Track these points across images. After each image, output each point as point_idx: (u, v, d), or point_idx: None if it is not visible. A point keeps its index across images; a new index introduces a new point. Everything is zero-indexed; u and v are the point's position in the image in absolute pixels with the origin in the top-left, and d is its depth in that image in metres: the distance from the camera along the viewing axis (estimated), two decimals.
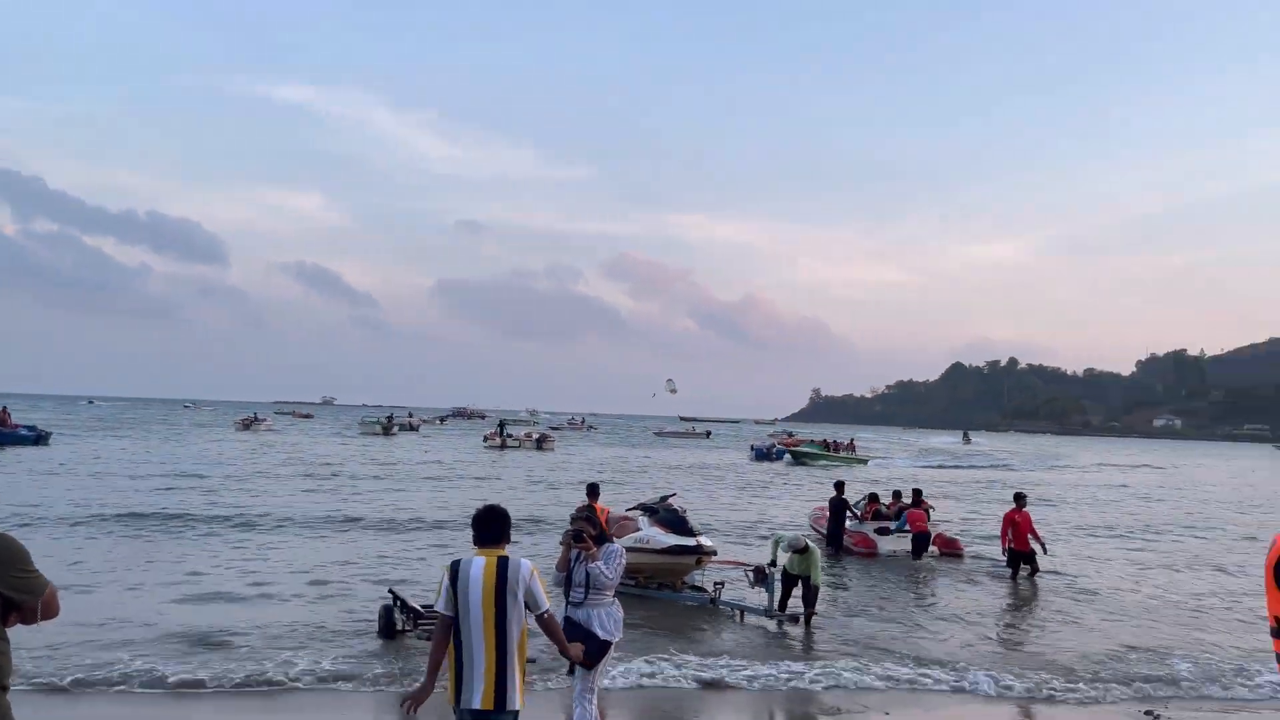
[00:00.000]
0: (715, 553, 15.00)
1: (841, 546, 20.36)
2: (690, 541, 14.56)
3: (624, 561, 7.15)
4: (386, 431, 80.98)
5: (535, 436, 69.82)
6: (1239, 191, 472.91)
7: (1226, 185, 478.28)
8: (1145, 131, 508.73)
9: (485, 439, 70.10)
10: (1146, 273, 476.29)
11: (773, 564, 13.67)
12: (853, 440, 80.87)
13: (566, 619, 6.90)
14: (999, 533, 18.16)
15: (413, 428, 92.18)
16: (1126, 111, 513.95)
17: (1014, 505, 17.72)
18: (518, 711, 4.95)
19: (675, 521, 14.85)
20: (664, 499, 16.57)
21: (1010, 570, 17.52)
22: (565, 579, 7.07)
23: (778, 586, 13.47)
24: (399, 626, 11.43)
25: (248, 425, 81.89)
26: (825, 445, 68.02)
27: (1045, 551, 17.80)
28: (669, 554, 14.38)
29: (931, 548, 19.84)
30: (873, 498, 21.73)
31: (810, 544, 13.47)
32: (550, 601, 5.20)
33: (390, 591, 12.21)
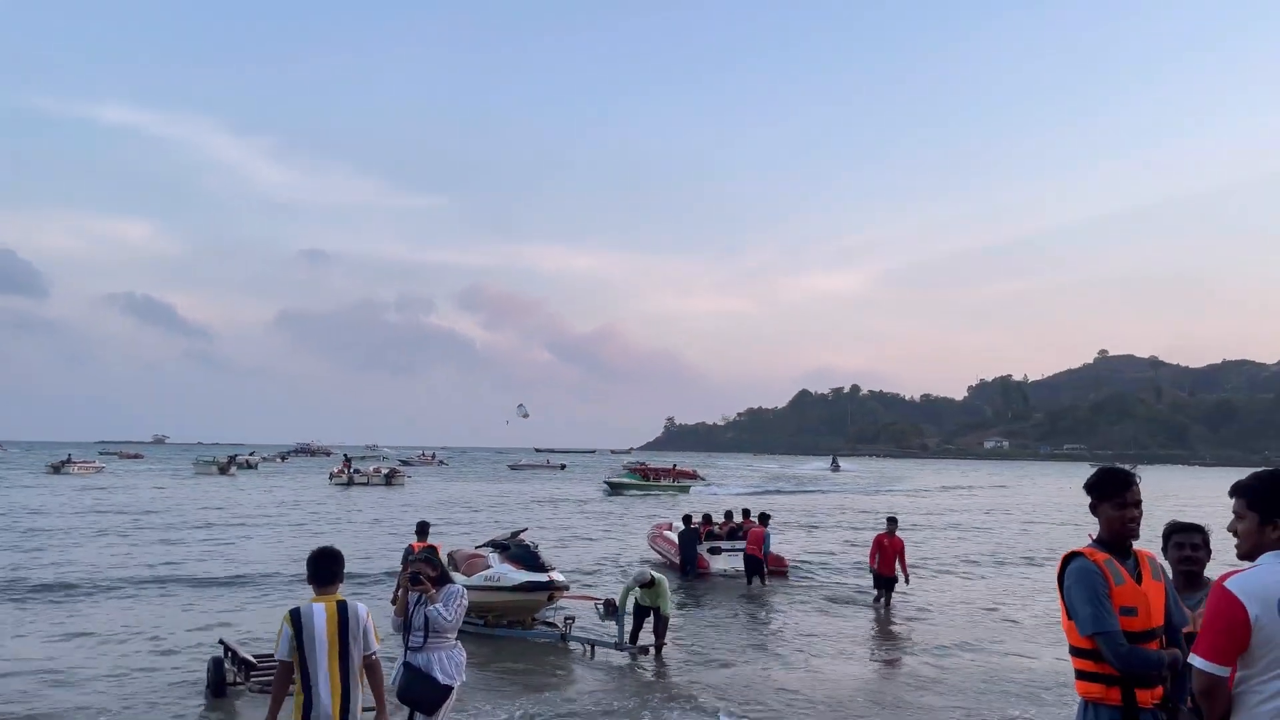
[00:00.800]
0: (568, 588, 14.88)
1: (695, 573, 20.53)
2: (542, 577, 14.38)
3: (465, 603, 6.97)
4: (224, 471, 76.82)
5: (384, 472, 67.78)
6: (1058, 225, 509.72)
7: (1047, 219, 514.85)
8: (975, 167, 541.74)
9: (331, 476, 67.74)
10: (975, 302, 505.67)
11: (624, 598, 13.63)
12: (678, 468, 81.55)
13: (406, 665, 6.76)
14: (867, 555, 18.44)
15: (251, 465, 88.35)
16: (961, 148, 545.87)
17: (885, 529, 17.56)
18: None
19: (527, 557, 14.64)
20: (515, 534, 16.31)
21: (875, 594, 17.80)
22: (404, 623, 6.87)
23: (628, 619, 13.41)
24: (230, 679, 10.76)
25: (59, 468, 74.51)
26: (644, 473, 67.37)
27: (907, 581, 17.61)
28: (520, 590, 14.15)
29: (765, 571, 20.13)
30: (706, 519, 23.02)
31: (656, 576, 13.49)
32: (379, 644, 5.55)
33: (220, 642, 11.49)
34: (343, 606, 5.37)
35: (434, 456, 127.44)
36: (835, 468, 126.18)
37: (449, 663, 6.78)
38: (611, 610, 13.64)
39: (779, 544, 23.39)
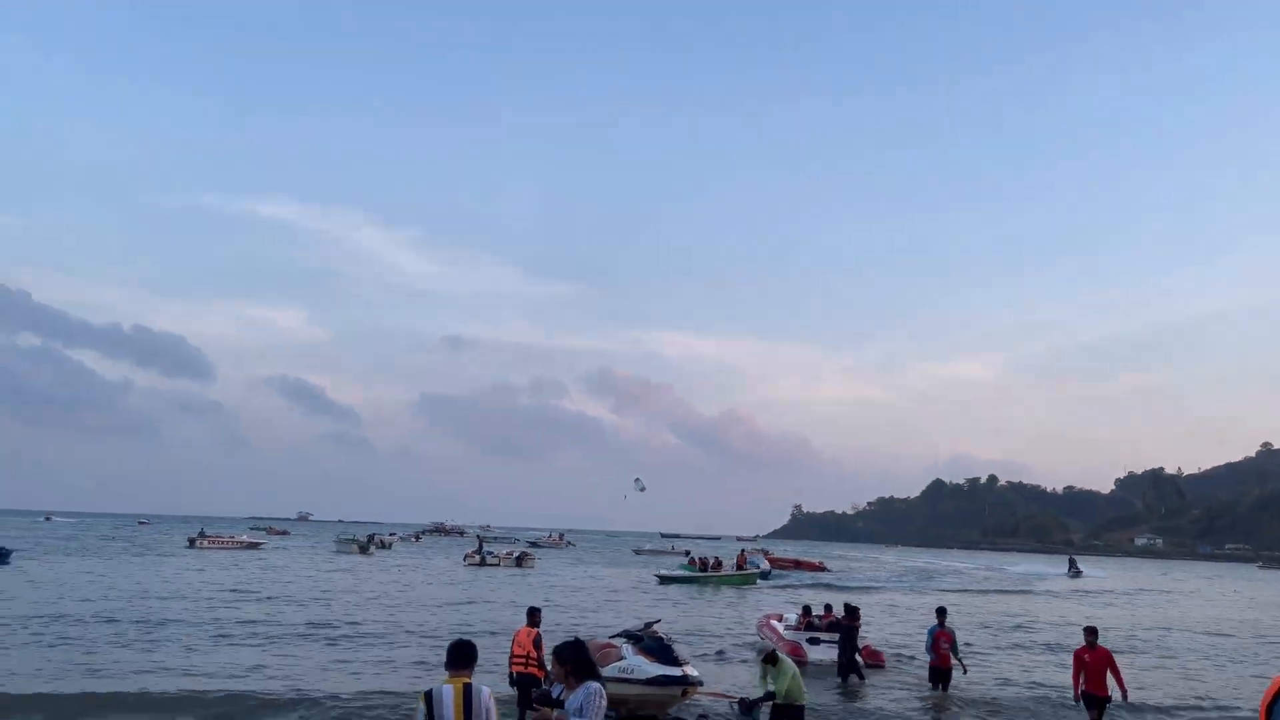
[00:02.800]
0: (701, 683, 14.55)
1: (855, 673, 19.46)
2: (676, 671, 14.10)
3: (604, 704, 6.34)
4: (364, 550, 79.74)
5: (515, 555, 68.94)
6: (1209, 312, 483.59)
7: (1197, 306, 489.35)
8: (1113, 254, 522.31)
9: (466, 558, 69.03)
10: (1122, 392, 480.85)
11: (767, 696, 13.04)
12: (802, 560, 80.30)
13: None
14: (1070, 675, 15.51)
15: (385, 545, 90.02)
16: (1097, 240, 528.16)
17: (1084, 643, 15.03)
18: None
19: (660, 649, 14.41)
20: (648, 625, 16.12)
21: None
22: None
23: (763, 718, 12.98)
24: None
25: (193, 542, 76.45)
26: (701, 565, 57.32)
27: (1125, 697, 14.84)
28: (654, 684, 13.89)
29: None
30: (806, 610, 24.28)
31: (780, 654, 12.88)
32: None
33: None
34: (468, 688, 6.05)
35: (562, 537, 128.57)
36: (1075, 572, 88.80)
37: None
38: (747, 709, 13.24)
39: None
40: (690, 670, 14.28)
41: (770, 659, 12.64)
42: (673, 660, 14.30)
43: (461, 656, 6.37)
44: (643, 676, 13.93)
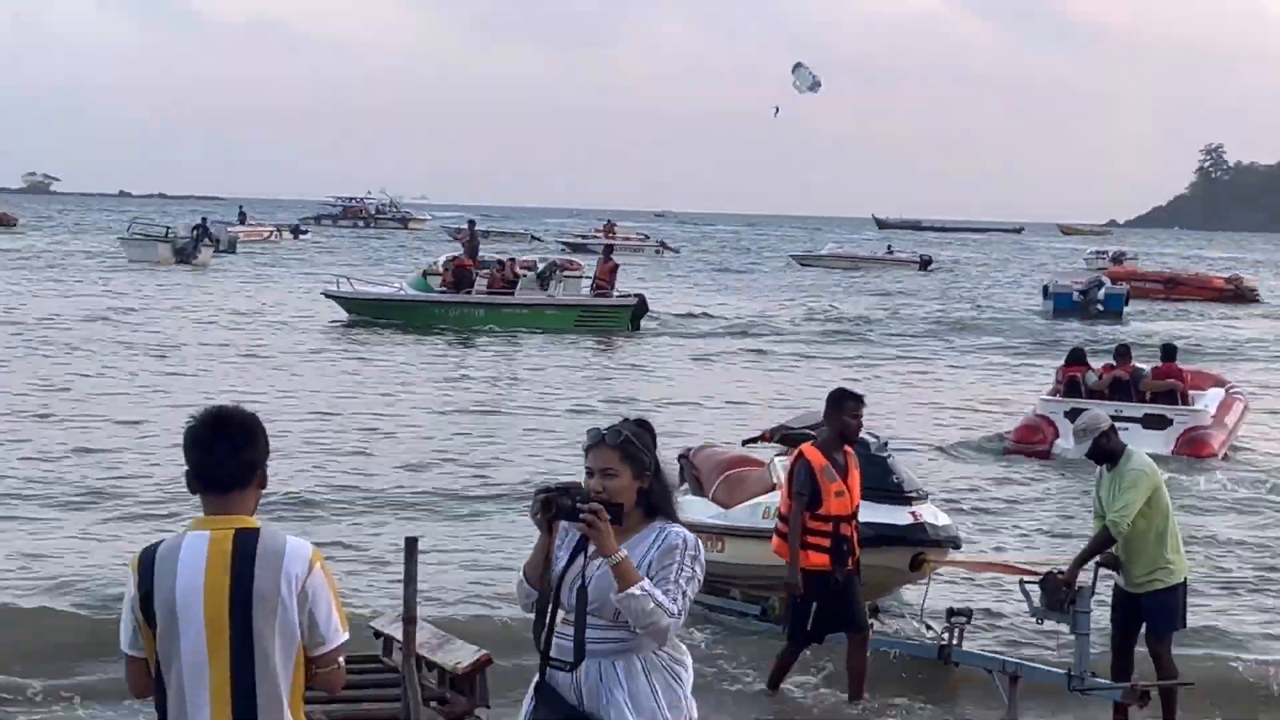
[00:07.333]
0: (957, 544, 7.27)
1: None
2: (901, 517, 7.06)
3: (701, 571, 3.17)
4: (183, 257, 40.29)
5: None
6: None
7: None
8: None
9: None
10: None
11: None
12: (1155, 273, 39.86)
13: (542, 689, 3.28)
14: None
15: (222, 246, 45.47)
16: None
17: None
18: None
19: (867, 470, 6.91)
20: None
21: None
22: (542, 600, 3.28)
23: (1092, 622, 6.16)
24: None
25: None
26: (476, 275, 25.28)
27: None
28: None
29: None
30: (1077, 357, 14.54)
31: (1132, 446, 6.30)
32: (345, 632, 2.74)
33: None
34: (248, 539, 2.62)
35: (645, 236, 66.63)
36: None
37: (648, 689, 3.16)
38: (1058, 599, 6.21)
39: None
40: (930, 515, 7.16)
41: (1104, 450, 6.04)
42: (894, 493, 7.17)
43: (218, 462, 2.63)
44: None
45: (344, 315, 24.48)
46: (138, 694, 2.89)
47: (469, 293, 24.55)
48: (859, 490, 6.45)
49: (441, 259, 27.85)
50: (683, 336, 25.40)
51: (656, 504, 3.28)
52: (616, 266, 26.47)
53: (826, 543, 6.24)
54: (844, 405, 6.37)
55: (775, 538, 6.58)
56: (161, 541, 2.75)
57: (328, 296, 25.20)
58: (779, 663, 6.55)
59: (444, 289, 25.30)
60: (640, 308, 24.75)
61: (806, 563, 6.15)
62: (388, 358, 20.36)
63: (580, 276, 26.78)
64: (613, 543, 3.05)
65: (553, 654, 3.31)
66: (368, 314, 24.46)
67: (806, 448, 6.46)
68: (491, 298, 24.64)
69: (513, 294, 24.60)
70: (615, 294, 25.06)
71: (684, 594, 3.19)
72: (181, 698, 2.67)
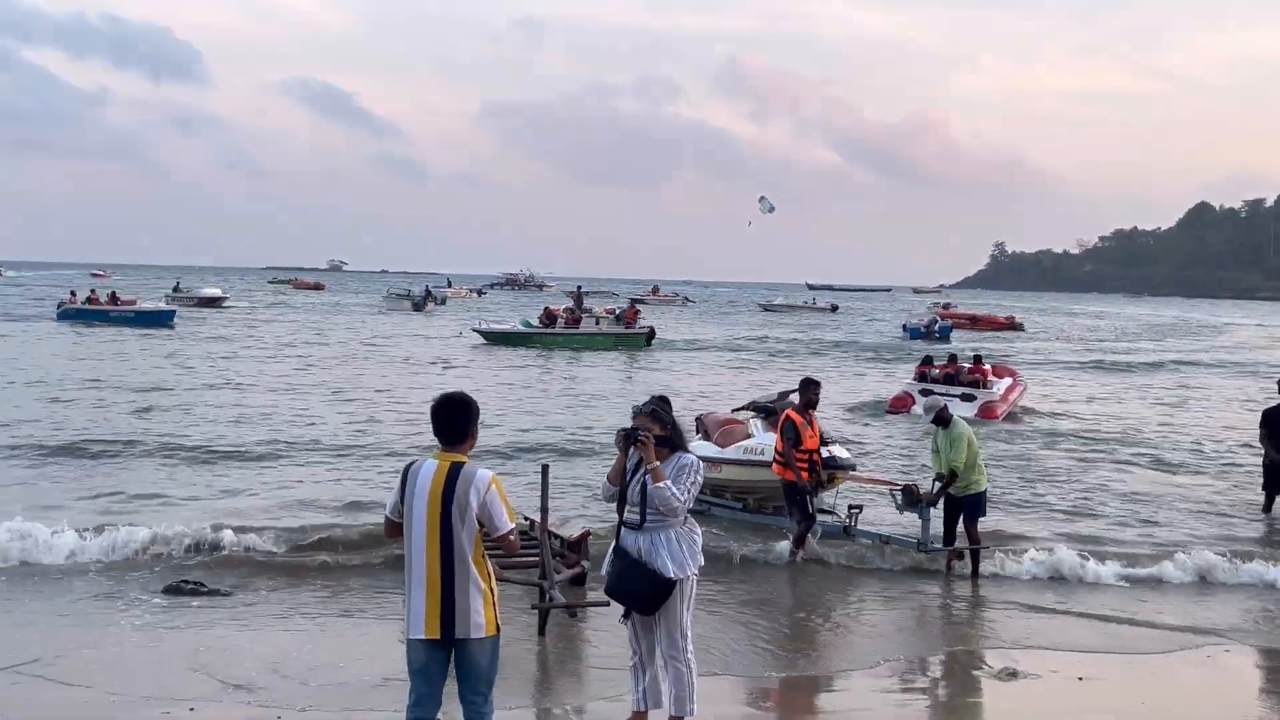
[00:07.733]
0: (854, 467, 11.13)
1: None
2: (824, 453, 10.56)
3: (700, 479, 5.17)
4: (417, 306, 62.20)
5: (616, 312, 42.42)
6: None
7: None
8: None
9: (545, 316, 40.54)
10: None
11: (946, 479, 9.61)
12: (987, 317, 65.47)
13: (617, 550, 5.18)
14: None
15: (439, 301, 68.27)
16: None
17: None
18: (486, 640, 4.20)
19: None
20: (784, 395, 12.65)
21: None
22: (617, 494, 5.19)
23: (936, 516, 9.73)
24: None
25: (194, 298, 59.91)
26: (548, 318, 39.34)
27: None
28: None
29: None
30: (927, 360, 22.77)
31: (956, 415, 9.79)
32: (512, 522, 4.29)
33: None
34: (456, 468, 4.23)
35: (675, 294, 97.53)
36: None
37: (678, 546, 5.05)
38: (913, 500, 9.84)
39: None
40: (839, 451, 10.93)
41: (941, 419, 9.53)
42: (821, 438, 10.79)
43: (447, 425, 4.34)
44: None
45: (481, 341, 38.07)
46: (389, 537, 4.63)
47: (552, 327, 38.22)
48: (819, 436, 9.97)
49: (541, 310, 42.04)
50: (691, 350, 40.01)
51: (675, 442, 5.23)
52: (638, 310, 42.56)
53: (805, 465, 9.62)
54: (810, 387, 9.97)
55: (775, 465, 9.74)
56: (415, 460, 4.40)
57: (475, 330, 39.42)
58: (797, 533, 9.58)
59: (540, 325, 38.97)
60: (650, 334, 38.90)
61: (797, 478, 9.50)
62: (507, 364, 31.24)
63: (619, 315, 40.61)
64: (653, 455, 5.02)
65: (625, 519, 5.18)
66: (499, 341, 37.89)
67: (790, 411, 9.80)
68: (565, 330, 38.13)
69: (578, 328, 37.95)
70: (636, 326, 39.11)
71: (688, 490, 5.07)
72: (411, 548, 4.21)
